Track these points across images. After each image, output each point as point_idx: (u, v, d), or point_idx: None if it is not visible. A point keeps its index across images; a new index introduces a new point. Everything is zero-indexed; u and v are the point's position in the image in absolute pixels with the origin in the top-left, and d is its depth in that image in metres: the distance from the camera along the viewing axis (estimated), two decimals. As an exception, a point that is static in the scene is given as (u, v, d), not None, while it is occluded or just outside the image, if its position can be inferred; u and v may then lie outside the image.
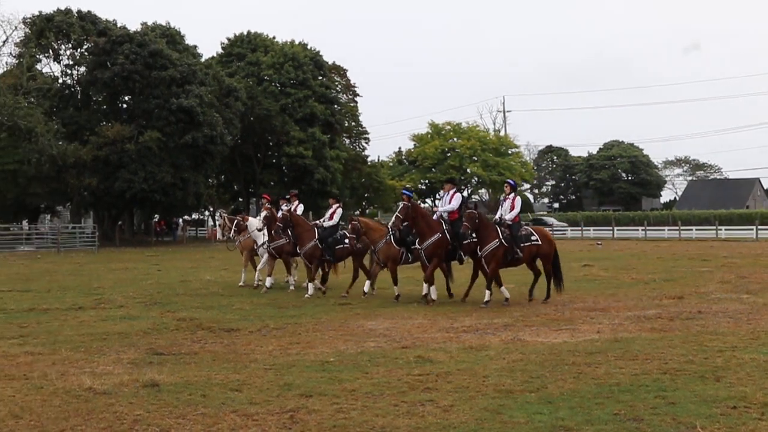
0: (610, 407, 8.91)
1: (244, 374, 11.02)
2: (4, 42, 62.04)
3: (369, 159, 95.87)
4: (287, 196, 25.26)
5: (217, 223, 28.16)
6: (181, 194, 65.49)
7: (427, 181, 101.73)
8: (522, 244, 19.40)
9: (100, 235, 61.96)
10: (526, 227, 20.40)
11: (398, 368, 11.32)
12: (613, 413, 8.66)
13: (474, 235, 19.02)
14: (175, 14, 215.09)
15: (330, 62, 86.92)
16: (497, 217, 19.95)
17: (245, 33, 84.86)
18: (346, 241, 22.12)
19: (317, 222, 23.32)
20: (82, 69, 68.15)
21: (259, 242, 24.67)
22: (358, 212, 21.96)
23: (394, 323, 16.23)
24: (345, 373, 10.99)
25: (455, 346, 13.16)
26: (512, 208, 19.68)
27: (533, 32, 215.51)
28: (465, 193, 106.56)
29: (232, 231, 25.83)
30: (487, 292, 19.07)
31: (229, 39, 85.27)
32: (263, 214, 23.61)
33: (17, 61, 63.59)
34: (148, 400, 9.56)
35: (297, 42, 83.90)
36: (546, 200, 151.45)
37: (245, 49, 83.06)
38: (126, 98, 69.73)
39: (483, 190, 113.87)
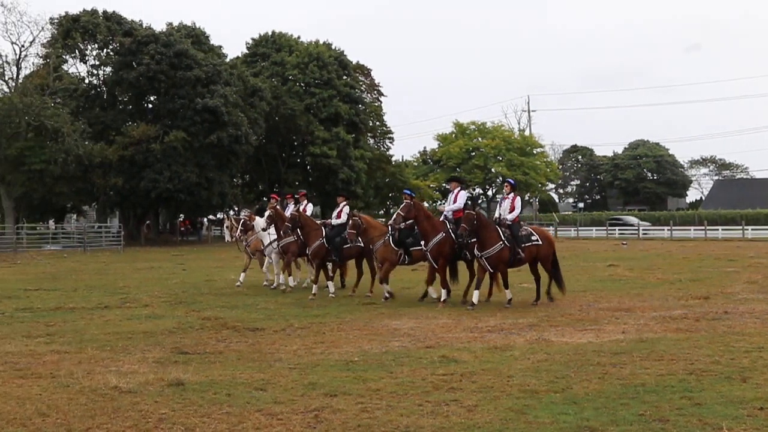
0: (635, 408, 8.87)
1: (269, 373, 11.04)
2: (31, 42, 62.42)
3: (393, 159, 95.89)
4: (296, 195, 25.05)
5: (225, 225, 27.93)
6: (206, 194, 65.69)
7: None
8: (523, 245, 19.05)
9: (125, 234, 62.34)
10: (526, 227, 19.99)
11: (423, 368, 11.31)
12: (639, 414, 8.61)
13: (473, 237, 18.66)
14: (201, 15, 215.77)
15: (354, 62, 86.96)
16: (496, 216, 19.62)
17: (270, 33, 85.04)
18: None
19: (325, 221, 23.21)
20: (108, 69, 68.50)
21: (266, 242, 24.41)
22: (361, 208, 21.79)
23: (418, 323, 16.21)
24: (369, 373, 10.99)
25: (480, 346, 13.13)
26: (512, 208, 19.31)
27: (558, 32, 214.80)
28: (476, 192, 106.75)
29: (238, 231, 25.43)
30: (507, 292, 19.08)
31: (253, 39, 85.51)
32: (267, 213, 23.45)
33: (44, 62, 63.94)
34: (174, 398, 9.60)
35: (321, 42, 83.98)
36: (571, 200, 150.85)
37: (270, 49, 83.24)
38: (151, 98, 70.01)
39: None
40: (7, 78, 61.19)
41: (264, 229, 23.76)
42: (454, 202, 19.87)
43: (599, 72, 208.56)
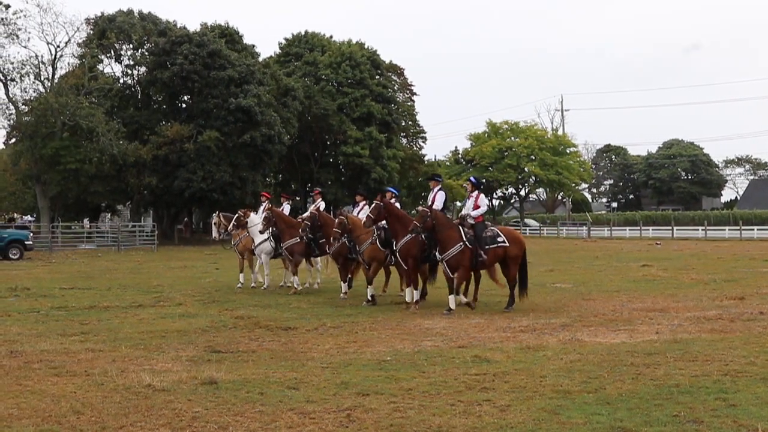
0: (669, 409, 8.81)
1: (302, 372, 11.07)
2: (66, 43, 62.85)
3: (426, 158, 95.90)
4: (311, 193, 24.87)
5: (212, 221, 27.39)
6: (239, 193, 65.89)
7: (484, 180, 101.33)
8: (487, 246, 17.97)
9: (159, 233, 62.75)
10: (492, 228, 18.80)
11: (455, 367, 11.29)
12: (673, 415, 8.55)
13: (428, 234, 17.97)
14: (234, 14, 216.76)
15: (387, 62, 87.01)
16: (460, 215, 18.72)
17: (303, 33, 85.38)
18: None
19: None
20: (143, 69, 68.96)
21: (256, 241, 24.05)
22: (349, 208, 21.54)
23: (450, 322, 16.19)
24: (402, 372, 10.99)
25: (512, 346, 13.09)
26: (476, 206, 18.42)
27: (592, 30, 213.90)
28: (508, 191, 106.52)
29: (231, 225, 24.96)
30: (451, 298, 17.94)
31: (286, 39, 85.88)
32: (264, 214, 23.19)
33: (79, 62, 64.45)
34: (207, 397, 9.64)
35: (354, 41, 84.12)
36: (604, 200, 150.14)
37: (303, 48, 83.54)
38: (185, 98, 70.39)
39: (540, 190, 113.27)
40: (42, 78, 61.67)
41: (261, 232, 23.35)
42: (475, 207, 18.51)
43: (633, 71, 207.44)
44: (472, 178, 19.50)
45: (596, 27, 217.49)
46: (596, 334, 14.32)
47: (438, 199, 19.24)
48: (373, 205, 19.07)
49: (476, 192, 18.75)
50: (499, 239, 18.22)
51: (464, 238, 17.75)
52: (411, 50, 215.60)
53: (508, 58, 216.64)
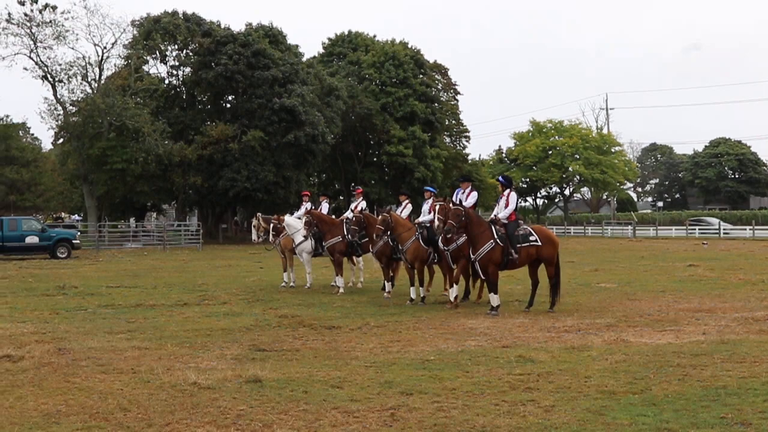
0: (716, 410, 8.71)
1: (345, 371, 11.08)
2: (113, 44, 63.68)
3: (469, 157, 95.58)
4: (353, 192, 24.81)
5: (253, 224, 27.49)
6: (283, 192, 66.23)
7: (528, 179, 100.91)
8: (519, 245, 17.72)
9: (203, 232, 63.20)
10: (524, 227, 18.55)
11: (499, 367, 11.25)
12: (720, 417, 8.46)
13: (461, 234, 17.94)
14: (278, 14, 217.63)
15: (431, 61, 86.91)
16: (492, 215, 18.46)
17: (346, 33, 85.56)
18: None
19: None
20: (188, 69, 69.62)
21: (297, 241, 24.07)
22: (393, 207, 21.79)
23: (494, 322, 16.13)
24: (445, 372, 10.97)
25: (557, 346, 13.02)
26: (507, 205, 18.21)
27: (637, 27, 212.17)
28: (552, 190, 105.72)
29: (271, 236, 25.30)
30: (493, 296, 17.68)
31: (330, 39, 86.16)
32: (305, 219, 23.10)
33: (125, 63, 65.16)
34: (251, 395, 9.69)
35: (397, 41, 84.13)
36: (650, 199, 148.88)
37: (346, 48, 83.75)
38: (229, 98, 70.92)
39: (585, 189, 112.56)
40: (90, 79, 62.51)
41: (306, 237, 23.41)
42: (506, 206, 18.30)
43: (679, 69, 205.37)
44: (501, 177, 19.26)
45: (642, 25, 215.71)
46: (642, 335, 14.19)
47: (471, 198, 19.25)
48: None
49: (507, 191, 18.54)
50: (531, 238, 17.99)
51: (495, 236, 17.60)
52: (455, 49, 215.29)
53: (553, 57, 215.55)
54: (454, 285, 19.00)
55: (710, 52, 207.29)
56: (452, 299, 19.02)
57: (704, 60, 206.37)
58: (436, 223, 18.14)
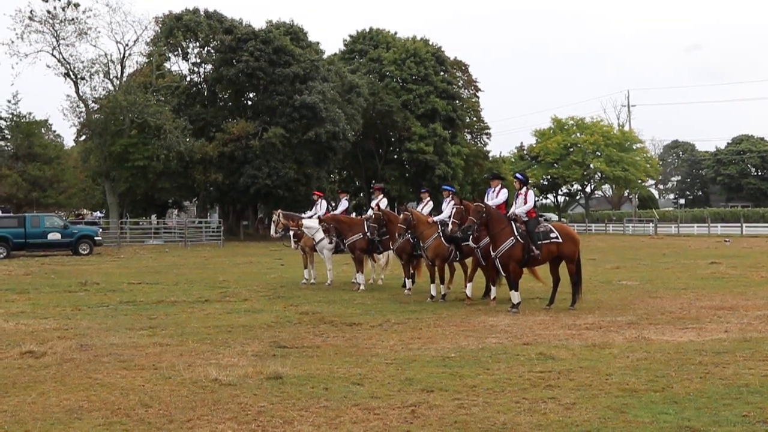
0: (738, 409, 8.67)
1: (366, 368, 11.10)
2: (134, 41, 63.89)
3: (490, 154, 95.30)
4: (372, 188, 24.76)
5: (273, 219, 27.55)
6: (304, 189, 66.24)
7: (549, 176, 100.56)
8: (540, 242, 17.69)
9: (225, 229, 63.38)
10: (545, 224, 18.75)
11: (519, 365, 11.23)
12: (742, 415, 8.42)
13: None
14: (298, 11, 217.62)
15: (452, 58, 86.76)
16: (510, 213, 18.29)
17: (367, 30, 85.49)
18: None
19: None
20: (209, 67, 69.78)
21: (317, 239, 24.09)
22: (414, 204, 21.43)
23: (515, 319, 16.11)
24: (466, 369, 10.96)
25: (578, 344, 12.99)
26: (525, 202, 18.14)
27: (658, 25, 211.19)
28: (573, 188, 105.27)
29: (293, 243, 25.62)
30: (513, 293, 17.72)
31: (351, 36, 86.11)
32: (321, 227, 23.11)
33: (147, 60, 65.35)
34: (272, 392, 9.71)
35: (418, 38, 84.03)
36: (671, 196, 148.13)
37: (367, 45, 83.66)
38: (250, 95, 71.01)
39: (606, 186, 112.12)
40: (111, 76, 62.64)
41: (330, 244, 23.41)
42: (525, 202, 18.22)
43: (701, 65, 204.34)
44: (518, 174, 19.17)
45: (663, 22, 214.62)
46: (663, 332, 14.14)
47: (501, 196, 19.03)
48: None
49: (524, 188, 18.49)
50: (552, 235, 17.97)
51: (516, 233, 17.56)
52: (476, 46, 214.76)
53: (574, 54, 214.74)
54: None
55: (732, 50, 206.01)
56: (468, 295, 19.20)
57: (726, 56, 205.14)
58: (450, 226, 18.31)
